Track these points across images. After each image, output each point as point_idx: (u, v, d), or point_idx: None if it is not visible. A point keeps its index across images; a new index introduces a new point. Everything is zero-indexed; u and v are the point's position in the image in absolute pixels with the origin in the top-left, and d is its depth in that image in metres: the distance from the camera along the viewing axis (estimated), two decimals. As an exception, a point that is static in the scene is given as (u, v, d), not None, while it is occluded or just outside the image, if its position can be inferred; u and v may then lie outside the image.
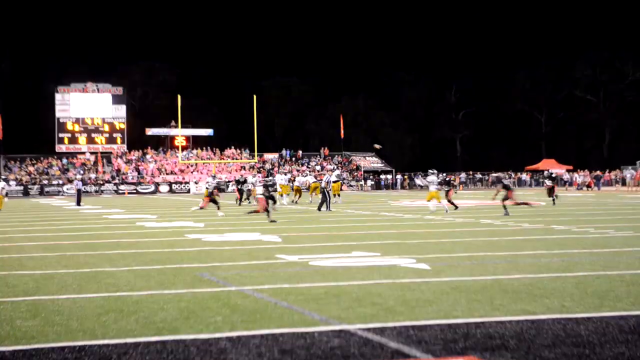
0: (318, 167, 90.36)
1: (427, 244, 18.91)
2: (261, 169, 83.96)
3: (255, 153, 71.79)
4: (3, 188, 27.14)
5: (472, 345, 7.80)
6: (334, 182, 42.52)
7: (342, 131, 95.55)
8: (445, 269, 13.86)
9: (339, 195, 44.94)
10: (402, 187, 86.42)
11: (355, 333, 8.45)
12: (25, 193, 75.76)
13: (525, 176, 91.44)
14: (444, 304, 10.17)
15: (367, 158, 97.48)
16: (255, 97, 67.58)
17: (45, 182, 79.54)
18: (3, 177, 25.43)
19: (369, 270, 13.70)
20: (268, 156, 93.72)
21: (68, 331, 8.78)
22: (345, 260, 15.53)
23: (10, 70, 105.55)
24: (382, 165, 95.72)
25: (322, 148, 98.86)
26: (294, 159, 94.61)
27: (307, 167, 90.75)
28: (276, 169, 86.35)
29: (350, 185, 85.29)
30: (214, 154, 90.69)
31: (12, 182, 76.87)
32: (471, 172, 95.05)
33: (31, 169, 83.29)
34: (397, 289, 11.46)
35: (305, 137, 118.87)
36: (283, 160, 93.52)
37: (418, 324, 8.86)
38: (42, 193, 76.09)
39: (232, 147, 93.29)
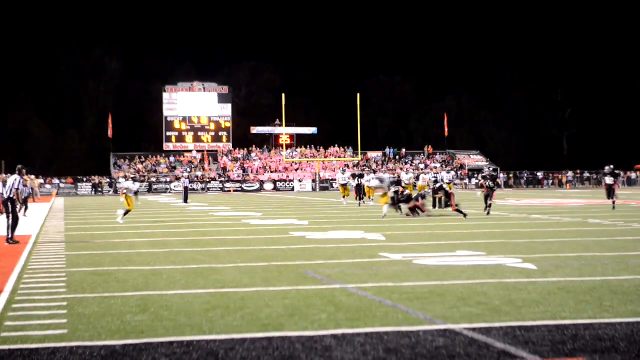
0: (422, 165, 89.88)
1: (533, 243, 18.60)
2: (364, 168, 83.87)
3: (359, 151, 71.91)
4: (127, 188, 27.59)
5: (581, 347, 7.65)
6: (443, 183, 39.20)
7: (446, 129, 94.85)
8: (552, 269, 13.61)
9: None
10: (508, 186, 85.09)
11: (461, 333, 8.38)
12: (134, 190, 77.61)
13: (635, 175, 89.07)
14: (551, 304, 9.99)
15: (472, 156, 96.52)
16: (358, 95, 67.62)
17: (154, 179, 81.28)
18: (132, 176, 25.67)
19: (474, 270, 13.56)
20: (371, 154, 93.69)
21: (176, 326, 8.96)
22: (450, 259, 15.41)
23: (120, 70, 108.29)
24: (487, 163, 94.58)
25: (426, 146, 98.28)
26: (397, 157, 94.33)
27: (411, 165, 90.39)
28: (355, 168, 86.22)
29: (455, 184, 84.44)
30: (318, 152, 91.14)
31: (122, 180, 78.81)
32: (579, 171, 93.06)
33: (140, 166, 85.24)
34: (503, 288, 11.32)
35: (408, 135, 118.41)
36: (386, 158, 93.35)
37: (525, 325, 8.73)
38: (150, 190, 77.77)
39: (336, 145, 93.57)
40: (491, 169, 41.44)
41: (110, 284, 12.46)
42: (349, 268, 14.17)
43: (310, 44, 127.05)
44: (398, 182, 31.68)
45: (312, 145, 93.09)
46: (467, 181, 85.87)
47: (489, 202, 30.51)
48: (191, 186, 65.97)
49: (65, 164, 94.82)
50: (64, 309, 10.18)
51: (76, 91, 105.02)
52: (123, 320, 9.38)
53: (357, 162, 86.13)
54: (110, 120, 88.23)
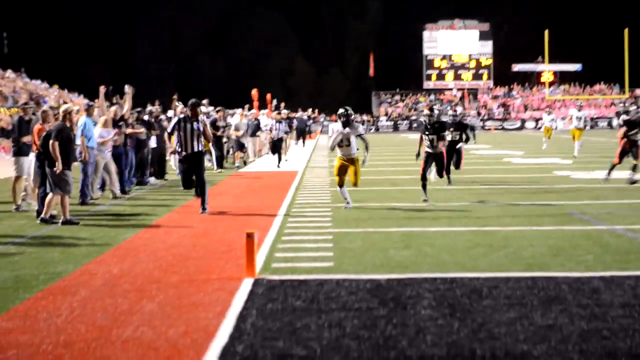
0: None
1: None
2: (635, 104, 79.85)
3: (626, 89, 68.62)
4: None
5: None
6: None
7: None
8: None
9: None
10: None
11: None
12: (395, 128, 78.44)
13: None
14: None
15: None
16: (626, 30, 64.38)
17: (414, 117, 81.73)
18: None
19: None
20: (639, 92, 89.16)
21: (439, 262, 9.01)
22: None
23: (381, 10, 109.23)
24: None
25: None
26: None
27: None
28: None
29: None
30: (582, 89, 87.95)
31: (383, 118, 79.99)
32: None
33: (400, 105, 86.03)
34: None
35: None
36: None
37: None
38: (410, 128, 78.26)
39: (601, 82, 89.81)
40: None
41: (374, 219, 12.71)
42: (617, 209, 13.64)
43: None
44: None
45: (576, 82, 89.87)
46: None
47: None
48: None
49: (328, 103, 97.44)
50: (329, 242, 10.51)
51: (339, 31, 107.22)
52: (387, 255, 9.56)
53: (623, 99, 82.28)
54: (372, 60, 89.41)
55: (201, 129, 14.04)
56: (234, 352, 5.75)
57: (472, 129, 19.58)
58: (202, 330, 6.38)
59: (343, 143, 14.31)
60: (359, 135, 14.35)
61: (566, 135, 30.42)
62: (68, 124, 12.97)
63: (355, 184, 14.44)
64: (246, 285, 7.94)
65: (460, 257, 9.29)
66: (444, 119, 19.73)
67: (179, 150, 14.10)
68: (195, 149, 13.97)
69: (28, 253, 10.06)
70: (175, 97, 24.68)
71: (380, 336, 6.10)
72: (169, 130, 14.63)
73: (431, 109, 15.92)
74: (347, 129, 14.25)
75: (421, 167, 15.49)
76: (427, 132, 15.70)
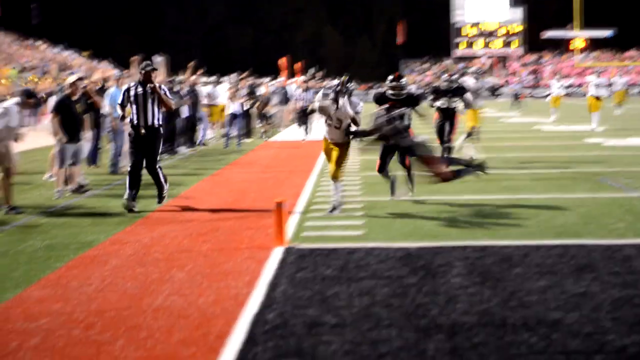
0: None
1: None
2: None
3: (660, 54, 67.58)
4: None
5: None
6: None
7: None
8: None
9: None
10: None
11: None
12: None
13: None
14: None
15: None
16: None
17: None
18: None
19: None
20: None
21: (470, 230, 8.97)
22: None
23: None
24: None
25: None
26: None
27: None
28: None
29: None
30: (614, 55, 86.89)
31: (412, 86, 79.59)
32: None
33: (429, 73, 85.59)
34: None
35: None
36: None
37: None
38: (439, 97, 77.74)
39: (634, 48, 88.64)
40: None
41: (404, 187, 12.63)
42: (649, 176, 13.51)
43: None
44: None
45: (608, 49, 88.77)
46: None
47: None
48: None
49: (357, 71, 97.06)
50: (359, 210, 10.49)
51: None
52: (417, 223, 9.53)
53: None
54: (399, 27, 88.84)
55: (156, 97, 11.34)
56: (265, 320, 5.76)
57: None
58: (232, 298, 6.39)
59: (332, 123, 10.55)
60: (354, 114, 10.47)
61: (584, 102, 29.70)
62: (75, 97, 12.68)
63: (334, 177, 10.50)
64: (276, 254, 7.95)
65: (490, 225, 9.24)
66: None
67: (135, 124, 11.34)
68: (150, 123, 11.28)
69: (59, 222, 10.14)
70: (191, 64, 22.13)
71: (410, 304, 6.09)
72: (119, 101, 11.62)
73: (399, 77, 11.47)
74: (339, 106, 10.45)
75: (378, 160, 11.55)
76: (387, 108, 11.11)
